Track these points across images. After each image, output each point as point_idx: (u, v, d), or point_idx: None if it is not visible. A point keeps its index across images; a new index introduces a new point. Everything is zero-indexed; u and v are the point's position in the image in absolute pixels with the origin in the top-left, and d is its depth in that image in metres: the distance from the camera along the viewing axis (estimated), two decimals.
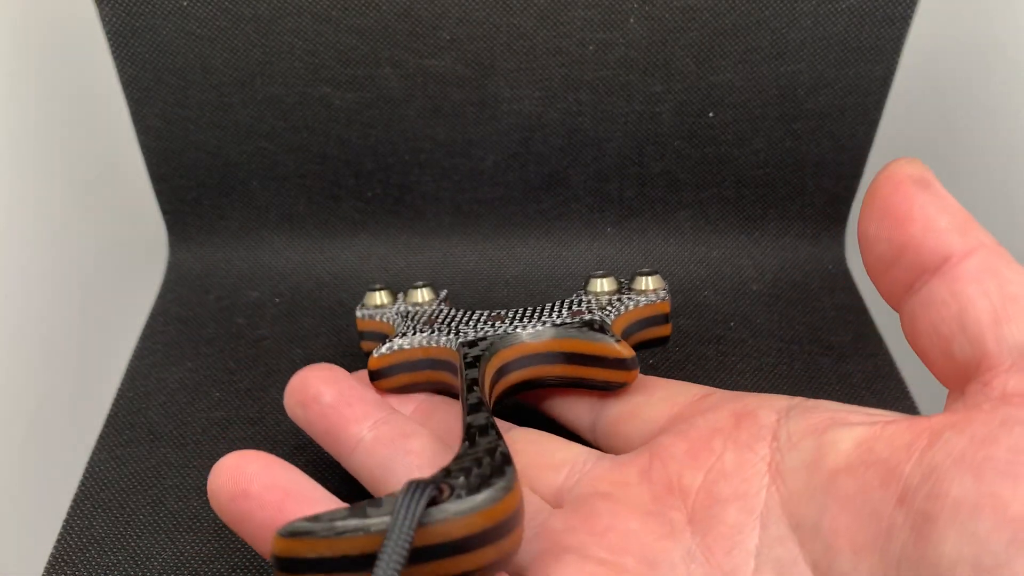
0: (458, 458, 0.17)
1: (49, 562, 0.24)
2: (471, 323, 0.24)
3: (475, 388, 0.20)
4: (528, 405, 0.25)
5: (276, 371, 0.30)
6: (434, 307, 0.26)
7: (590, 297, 0.25)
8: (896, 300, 0.18)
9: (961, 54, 0.30)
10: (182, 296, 0.33)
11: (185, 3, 0.29)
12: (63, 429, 0.28)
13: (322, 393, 0.22)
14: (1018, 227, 0.28)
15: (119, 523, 0.25)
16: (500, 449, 0.17)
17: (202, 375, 0.30)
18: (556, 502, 0.21)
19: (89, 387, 0.29)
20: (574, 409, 0.24)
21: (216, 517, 0.25)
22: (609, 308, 0.24)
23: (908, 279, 0.17)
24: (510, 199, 0.34)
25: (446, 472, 0.16)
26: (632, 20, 0.30)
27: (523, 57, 0.31)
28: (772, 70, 0.31)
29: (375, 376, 0.24)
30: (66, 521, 0.25)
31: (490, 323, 0.24)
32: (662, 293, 0.25)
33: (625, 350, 0.22)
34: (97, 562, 0.24)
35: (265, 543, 0.18)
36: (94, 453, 0.27)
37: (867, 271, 0.18)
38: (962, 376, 0.16)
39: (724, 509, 0.18)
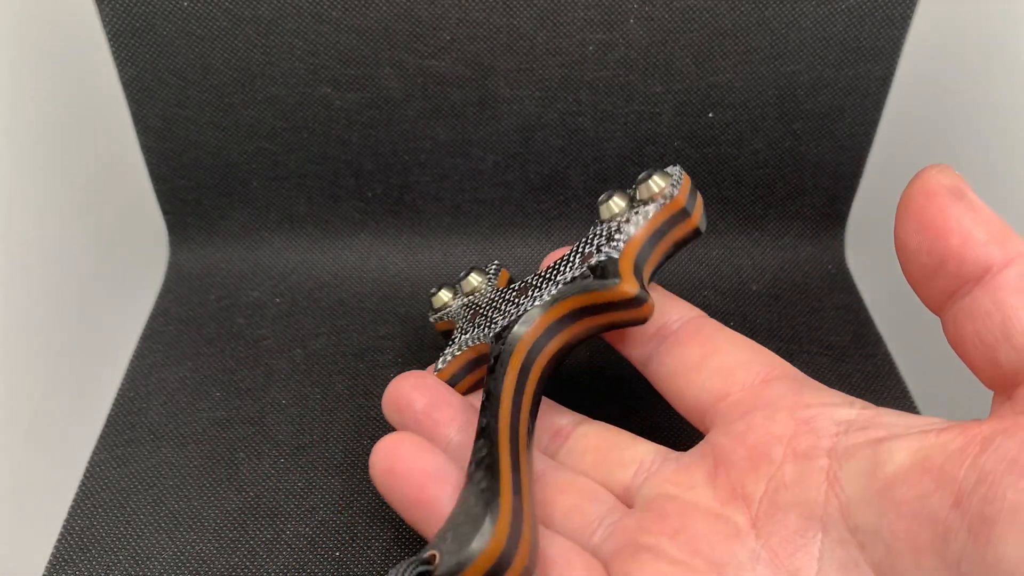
0: (453, 513, 0.18)
1: (49, 562, 0.24)
2: (503, 304, 0.24)
3: (487, 405, 0.21)
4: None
5: (276, 371, 0.30)
6: (484, 291, 0.26)
7: (603, 226, 0.23)
8: (938, 307, 0.18)
9: (961, 54, 0.30)
10: (182, 296, 0.33)
11: (186, 3, 0.29)
12: (63, 429, 0.28)
13: (414, 400, 0.23)
14: (1018, 227, 0.28)
15: (119, 523, 0.25)
16: (484, 491, 0.18)
17: (202, 375, 0.30)
18: (626, 499, 0.22)
19: (89, 387, 0.29)
20: (628, 338, 0.24)
21: (216, 517, 0.25)
22: (617, 236, 0.22)
23: (950, 288, 0.17)
24: (510, 199, 0.34)
25: (441, 533, 0.18)
26: (632, 20, 0.30)
27: (523, 57, 0.31)
28: (772, 70, 0.31)
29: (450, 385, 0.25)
30: (66, 521, 0.25)
31: (516, 300, 0.24)
32: (669, 190, 0.23)
33: (628, 287, 0.21)
34: (97, 562, 0.24)
35: (408, 515, 0.21)
36: (94, 453, 0.27)
37: (908, 280, 0.19)
38: (1009, 382, 0.17)
39: (786, 515, 0.18)
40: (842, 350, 0.30)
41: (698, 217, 0.23)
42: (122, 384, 0.29)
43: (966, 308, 0.17)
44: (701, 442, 0.21)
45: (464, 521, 0.18)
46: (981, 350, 0.17)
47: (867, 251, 0.35)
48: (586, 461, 0.23)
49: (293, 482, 0.26)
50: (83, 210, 0.31)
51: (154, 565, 0.24)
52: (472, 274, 0.27)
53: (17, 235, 0.27)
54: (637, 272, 0.22)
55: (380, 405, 0.28)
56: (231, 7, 0.29)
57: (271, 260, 0.34)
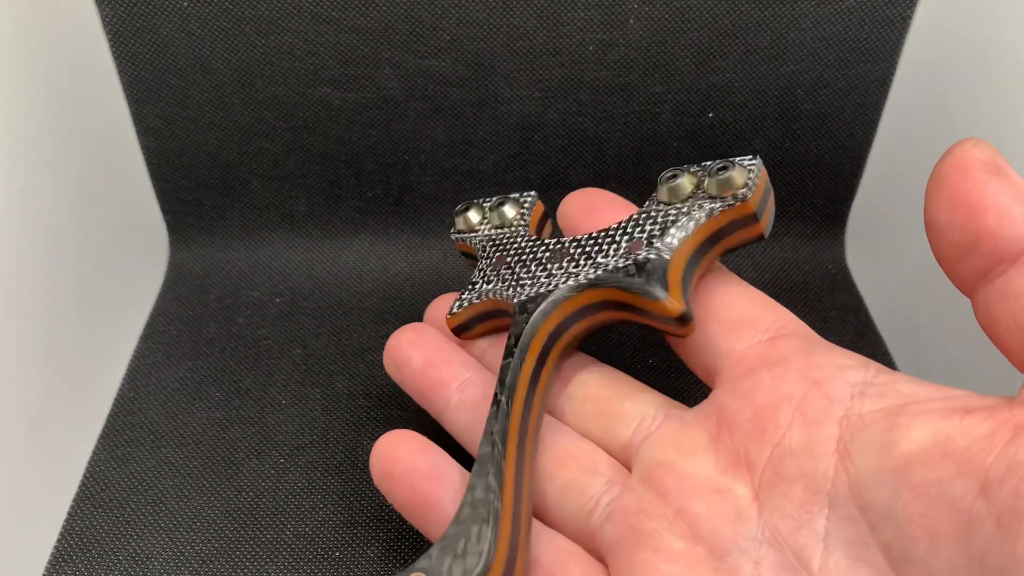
0: (451, 530, 0.18)
1: (49, 562, 0.24)
2: (533, 264, 0.22)
3: (499, 400, 0.20)
4: None
5: (276, 371, 0.30)
6: (514, 229, 0.24)
7: (660, 209, 0.21)
8: (969, 287, 0.17)
9: (961, 54, 0.30)
10: (182, 296, 0.33)
11: (185, 3, 0.29)
12: (63, 429, 0.28)
13: (411, 357, 0.23)
14: None
15: (119, 523, 0.25)
16: (485, 509, 0.18)
17: (202, 375, 0.30)
18: (625, 458, 0.21)
19: (89, 387, 0.29)
20: None
21: (216, 517, 0.25)
22: (673, 231, 0.20)
23: (984, 268, 0.17)
24: None
25: (437, 552, 0.17)
26: (632, 20, 0.30)
27: (523, 57, 0.31)
28: (772, 71, 0.31)
29: (456, 331, 0.24)
30: (66, 521, 0.25)
31: (549, 265, 0.22)
32: (743, 192, 0.20)
33: (673, 305, 0.19)
34: (97, 562, 0.24)
35: (409, 516, 0.21)
36: (94, 453, 0.27)
37: (937, 259, 0.18)
38: None
39: (791, 487, 0.17)
40: None
41: (766, 222, 0.21)
42: (122, 384, 0.29)
43: (999, 288, 0.16)
44: (706, 400, 0.20)
45: (461, 540, 0.17)
46: (1015, 332, 0.16)
47: (867, 251, 0.35)
48: (585, 410, 0.22)
49: (293, 482, 0.26)
50: (83, 210, 0.31)
51: (154, 565, 0.24)
52: (507, 206, 0.25)
53: (16, 235, 0.27)
54: (685, 280, 0.20)
55: (380, 405, 0.28)
56: (231, 7, 0.29)
57: (271, 260, 0.34)
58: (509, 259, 0.23)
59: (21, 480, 0.26)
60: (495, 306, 0.23)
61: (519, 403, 0.20)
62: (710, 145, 0.33)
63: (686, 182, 0.21)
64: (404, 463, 0.21)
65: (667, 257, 0.20)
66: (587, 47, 0.30)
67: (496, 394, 0.20)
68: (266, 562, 0.24)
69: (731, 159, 0.21)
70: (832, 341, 0.20)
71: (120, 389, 0.29)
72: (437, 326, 0.25)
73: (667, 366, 0.29)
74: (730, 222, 0.20)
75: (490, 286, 0.23)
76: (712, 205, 0.20)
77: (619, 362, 0.23)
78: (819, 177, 0.34)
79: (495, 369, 0.23)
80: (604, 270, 0.21)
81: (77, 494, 0.26)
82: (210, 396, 0.29)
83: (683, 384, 0.28)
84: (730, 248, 0.21)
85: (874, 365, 0.19)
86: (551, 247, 0.22)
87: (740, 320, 0.21)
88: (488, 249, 0.24)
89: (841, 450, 0.17)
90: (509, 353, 0.20)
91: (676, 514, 0.19)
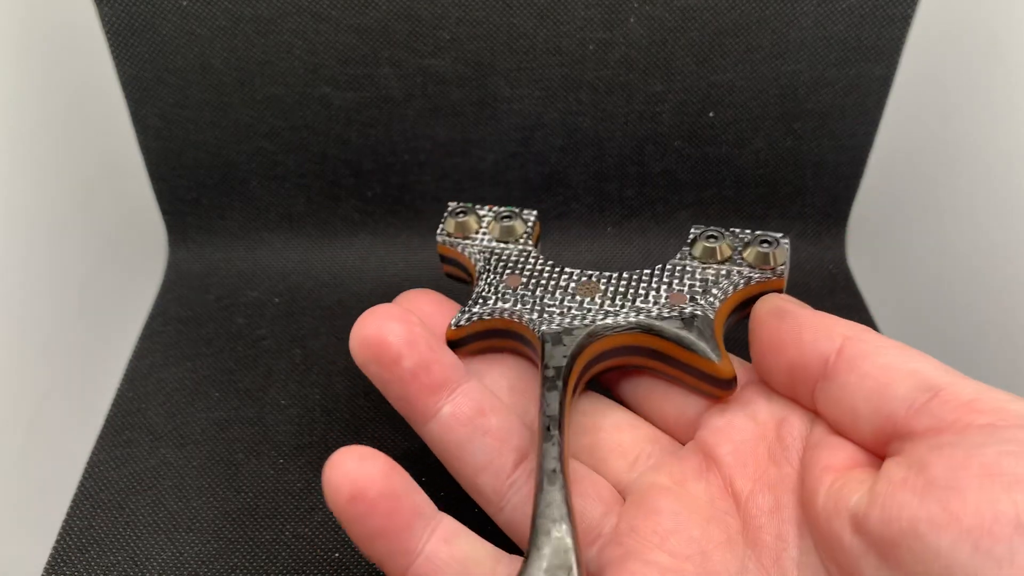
0: (530, 567, 0.16)
1: (49, 562, 0.24)
2: (559, 293, 0.22)
3: (552, 435, 0.18)
4: None
5: (275, 371, 0.30)
6: (520, 247, 0.24)
7: (695, 266, 0.22)
8: (811, 407, 0.20)
9: (962, 54, 0.30)
10: (182, 296, 0.33)
11: (185, 3, 0.29)
12: (63, 429, 0.28)
13: (404, 357, 0.20)
14: (1019, 227, 0.28)
15: (119, 523, 0.25)
16: (568, 550, 0.17)
17: (202, 375, 0.30)
18: (621, 490, 0.21)
19: (88, 387, 0.29)
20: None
21: (215, 517, 0.25)
22: (715, 291, 0.21)
23: (811, 390, 0.19)
24: (510, 199, 0.34)
25: None
26: (632, 19, 0.30)
27: (523, 57, 0.30)
28: (772, 70, 0.31)
29: (453, 346, 0.22)
30: (66, 521, 0.25)
31: (578, 299, 0.21)
32: (781, 269, 0.21)
33: (725, 367, 0.20)
34: (97, 562, 0.24)
35: (370, 545, 0.19)
36: (94, 453, 0.27)
37: (788, 396, 0.20)
38: (881, 440, 0.17)
39: (770, 520, 0.19)
40: None
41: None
42: (121, 384, 0.29)
43: (823, 401, 0.19)
44: (692, 440, 0.21)
45: None
46: (845, 428, 0.18)
47: (868, 251, 0.35)
48: (581, 442, 0.22)
49: (293, 482, 0.26)
50: (81, 210, 0.31)
51: (153, 565, 0.24)
52: (516, 221, 0.24)
53: (14, 235, 0.27)
54: (721, 338, 0.21)
55: (380, 405, 0.28)
56: (230, 6, 0.29)
57: (270, 260, 0.34)
58: (525, 279, 0.22)
59: (20, 480, 0.26)
60: (507, 326, 0.22)
61: (565, 434, 0.19)
62: (711, 144, 0.33)
63: (725, 246, 0.22)
64: (379, 486, 0.18)
65: (711, 316, 0.21)
66: (587, 46, 0.30)
67: (547, 428, 0.19)
68: (265, 563, 0.24)
69: (767, 233, 0.22)
70: None
71: (119, 389, 0.29)
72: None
73: None
74: (761, 292, 0.22)
75: (507, 305, 0.22)
76: (751, 274, 0.22)
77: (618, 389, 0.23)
78: (820, 177, 0.34)
79: (480, 375, 0.22)
80: (648, 316, 0.21)
81: (76, 494, 0.26)
82: (209, 396, 0.29)
83: None
84: (745, 317, 0.22)
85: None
86: (575, 278, 0.22)
87: None
88: (493, 263, 0.23)
89: (800, 486, 0.19)
90: (552, 385, 0.20)
91: (668, 533, 0.19)
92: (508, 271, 0.23)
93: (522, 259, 0.23)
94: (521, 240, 0.24)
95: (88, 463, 0.27)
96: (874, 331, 0.19)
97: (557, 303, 0.22)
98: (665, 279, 0.22)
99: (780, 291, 0.22)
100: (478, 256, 0.24)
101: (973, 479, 0.14)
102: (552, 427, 0.19)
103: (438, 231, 0.25)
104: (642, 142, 0.33)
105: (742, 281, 0.21)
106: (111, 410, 0.28)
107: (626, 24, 0.30)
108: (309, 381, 0.29)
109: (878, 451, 0.18)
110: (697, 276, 0.22)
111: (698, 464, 0.21)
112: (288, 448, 0.27)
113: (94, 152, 0.32)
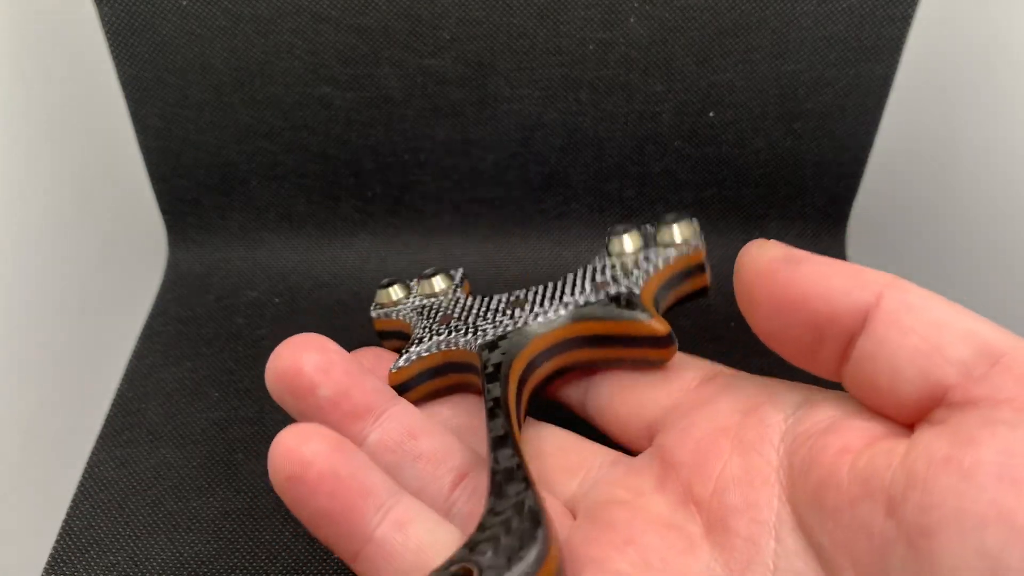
0: (482, 526, 0.16)
1: (49, 562, 0.24)
2: (489, 314, 0.22)
3: (498, 412, 0.19)
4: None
5: None
6: (450, 296, 0.24)
7: (613, 260, 0.22)
8: (835, 373, 0.17)
9: (962, 54, 0.30)
10: (182, 296, 0.33)
11: (185, 2, 0.29)
12: (63, 429, 0.28)
13: (319, 385, 0.19)
14: (1019, 227, 0.28)
15: (119, 523, 0.25)
16: (528, 504, 0.16)
17: (201, 375, 0.30)
18: (571, 508, 0.20)
19: (88, 387, 0.29)
20: (562, 386, 0.23)
21: (215, 517, 0.25)
22: (636, 272, 0.22)
23: (840, 349, 0.16)
24: (510, 199, 0.34)
25: (471, 546, 0.15)
26: (632, 19, 0.30)
27: (523, 56, 0.30)
28: (772, 70, 0.31)
29: (399, 391, 0.22)
30: (66, 521, 0.25)
31: (509, 312, 0.22)
32: (695, 242, 0.22)
33: (660, 325, 0.20)
34: (97, 562, 0.24)
35: (316, 528, 0.18)
36: (94, 453, 0.27)
37: (795, 363, 0.18)
38: (917, 416, 0.15)
39: (737, 520, 0.17)
40: None
41: (710, 275, 0.23)
42: (121, 384, 0.29)
43: (856, 360, 0.16)
44: (650, 447, 0.20)
45: (506, 535, 0.15)
46: (880, 394, 0.16)
47: (868, 251, 0.35)
48: (532, 468, 0.21)
49: None
50: (81, 210, 0.31)
51: (153, 566, 0.24)
52: (439, 277, 0.25)
53: (15, 235, 0.27)
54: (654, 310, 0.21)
55: None
56: (230, 6, 0.29)
57: (270, 260, 0.34)
58: (458, 314, 0.23)
59: (20, 480, 0.26)
60: (447, 358, 0.22)
61: (512, 413, 0.19)
62: (711, 144, 0.33)
63: (635, 239, 0.23)
64: (320, 465, 0.17)
65: (638, 292, 0.21)
66: (587, 46, 0.30)
67: (491, 409, 0.19)
68: (265, 563, 0.24)
69: (673, 213, 0.23)
70: None
71: (119, 389, 0.29)
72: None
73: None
74: (682, 270, 0.22)
75: (441, 337, 0.22)
76: (667, 252, 0.22)
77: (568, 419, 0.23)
78: (820, 177, 0.34)
79: (432, 416, 0.22)
80: (576, 306, 0.21)
81: (76, 494, 0.26)
82: (209, 396, 0.29)
83: None
84: (679, 299, 0.23)
85: (808, 387, 0.18)
86: (506, 300, 0.23)
87: (669, 375, 0.21)
88: (426, 312, 0.24)
89: (782, 476, 0.17)
90: (493, 378, 0.20)
91: (626, 543, 0.17)
92: (441, 314, 0.24)
93: (453, 303, 0.24)
94: (448, 291, 0.25)
95: (88, 463, 0.27)
96: (914, 284, 0.16)
97: (491, 322, 0.22)
98: (588, 275, 0.22)
99: (700, 266, 0.22)
100: (410, 315, 0.24)
101: None
102: (496, 408, 0.19)
103: (371, 308, 0.26)
104: (642, 142, 0.33)
105: (660, 260, 0.22)
106: (111, 410, 0.28)
107: (626, 24, 0.30)
108: None
109: (909, 423, 0.15)
110: (618, 266, 0.22)
111: (655, 475, 0.19)
112: None
113: (94, 152, 0.32)
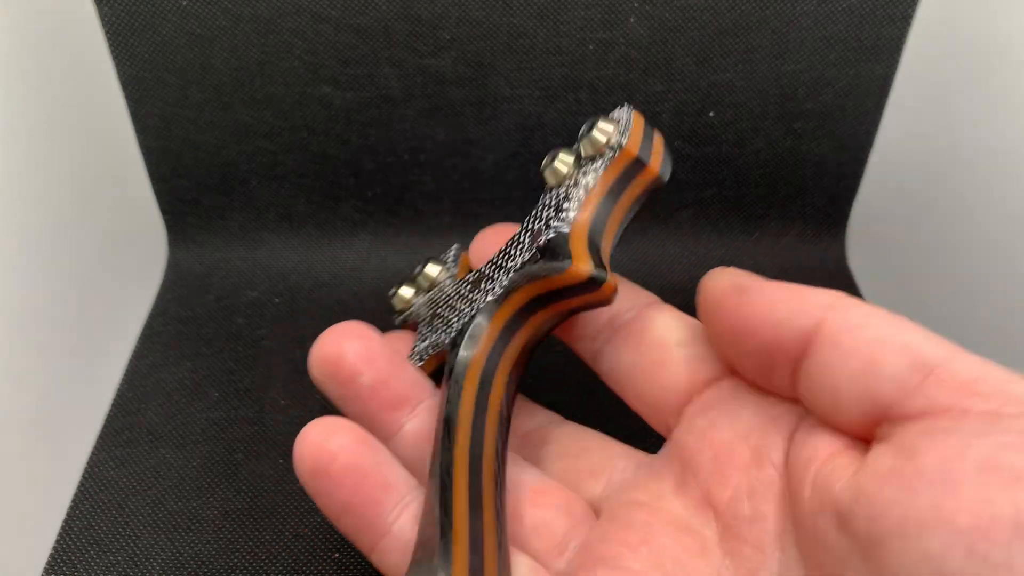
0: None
1: (49, 562, 0.24)
2: (458, 301, 0.21)
3: (444, 435, 0.18)
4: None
5: (275, 371, 0.30)
6: (444, 283, 0.23)
7: (551, 194, 0.20)
8: (790, 390, 0.17)
9: (962, 54, 0.30)
10: (182, 296, 0.33)
11: (185, 2, 0.29)
12: (61, 429, 0.28)
13: (360, 373, 0.20)
14: (1019, 227, 0.28)
15: (119, 523, 0.25)
16: (431, 563, 0.16)
17: (201, 375, 0.30)
18: (596, 508, 0.20)
19: (87, 387, 0.29)
20: (575, 331, 0.22)
21: (215, 517, 0.25)
22: (567, 205, 0.19)
23: (790, 372, 0.17)
24: (510, 199, 0.34)
25: None
26: (632, 19, 0.30)
27: (523, 57, 0.30)
28: (772, 70, 0.31)
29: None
30: (66, 521, 0.25)
31: (470, 295, 0.21)
32: (617, 139, 0.20)
33: (580, 267, 0.18)
34: (97, 562, 0.24)
35: (337, 519, 0.18)
36: (93, 453, 0.27)
37: (757, 383, 0.18)
38: (866, 433, 0.16)
39: (749, 529, 0.17)
40: None
41: (657, 163, 0.20)
42: (121, 384, 0.29)
43: (804, 383, 0.17)
44: (667, 443, 0.20)
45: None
46: (828, 413, 0.16)
47: (868, 251, 0.35)
48: (555, 469, 0.21)
49: (292, 482, 0.26)
50: (81, 210, 0.31)
51: (152, 566, 0.24)
52: (428, 265, 0.23)
53: (14, 235, 0.27)
54: (593, 246, 0.19)
55: None
56: (230, 6, 0.29)
57: (270, 260, 0.34)
58: (440, 310, 0.22)
59: (19, 480, 0.26)
60: (440, 361, 0.21)
61: (464, 433, 0.18)
62: (711, 144, 0.33)
63: (565, 158, 0.20)
64: (344, 459, 0.18)
65: (566, 231, 0.19)
66: (587, 46, 0.30)
67: (437, 429, 0.18)
68: (265, 563, 0.24)
69: (597, 115, 0.20)
70: None
71: (119, 389, 0.29)
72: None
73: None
74: (619, 175, 0.20)
75: (425, 343, 0.21)
76: (594, 165, 0.20)
77: (593, 415, 0.23)
78: (820, 177, 0.34)
79: None
80: (508, 274, 0.20)
81: (75, 494, 0.26)
82: (209, 396, 0.29)
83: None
84: (635, 201, 0.20)
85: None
86: (471, 279, 0.21)
87: (693, 359, 0.20)
88: (425, 312, 0.23)
89: (785, 489, 0.17)
90: (449, 385, 0.19)
91: (640, 542, 0.18)
92: (431, 312, 0.23)
93: (439, 294, 0.23)
94: (442, 278, 0.23)
95: (87, 463, 0.27)
96: (858, 299, 0.16)
97: (456, 313, 0.21)
98: (528, 225, 0.20)
99: (637, 163, 0.20)
100: (419, 313, 0.23)
101: (968, 474, 0.13)
102: (443, 428, 0.18)
103: (394, 320, 0.24)
104: None
105: (591, 179, 0.20)
106: (110, 410, 0.28)
107: (626, 24, 0.30)
108: (308, 381, 0.29)
109: (866, 438, 0.16)
110: (551, 202, 0.20)
111: (675, 478, 0.19)
112: (288, 448, 0.27)
113: (93, 152, 0.32)
